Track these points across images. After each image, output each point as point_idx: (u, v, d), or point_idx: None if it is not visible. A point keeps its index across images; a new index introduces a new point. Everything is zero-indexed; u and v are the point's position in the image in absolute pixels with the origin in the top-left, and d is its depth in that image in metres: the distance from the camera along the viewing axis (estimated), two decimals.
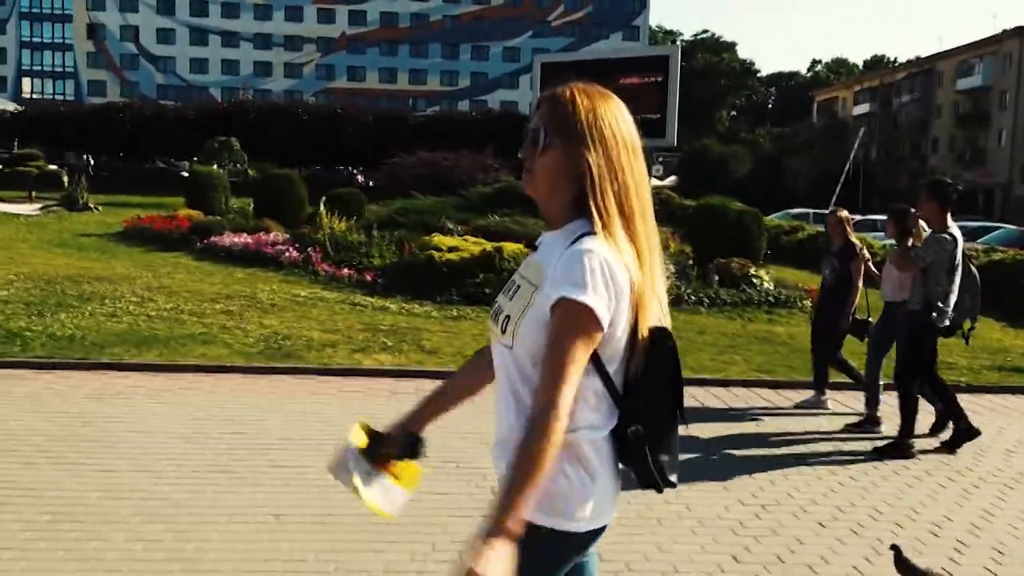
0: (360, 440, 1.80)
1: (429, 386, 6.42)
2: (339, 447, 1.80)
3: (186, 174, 34.84)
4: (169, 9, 79.31)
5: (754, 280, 11.83)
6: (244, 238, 14.66)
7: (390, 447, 1.83)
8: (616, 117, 1.64)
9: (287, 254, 13.03)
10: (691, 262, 12.26)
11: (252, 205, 18.68)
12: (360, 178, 32.44)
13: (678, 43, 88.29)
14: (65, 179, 24.53)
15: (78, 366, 6.72)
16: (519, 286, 1.66)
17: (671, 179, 50.92)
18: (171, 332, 8.11)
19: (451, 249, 11.52)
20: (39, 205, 21.69)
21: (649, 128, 32.25)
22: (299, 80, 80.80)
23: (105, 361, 6.78)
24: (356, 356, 7.45)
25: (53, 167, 25.40)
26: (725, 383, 7.22)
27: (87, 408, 5.65)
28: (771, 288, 11.60)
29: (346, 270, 11.90)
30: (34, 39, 78.06)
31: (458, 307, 10.13)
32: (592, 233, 1.57)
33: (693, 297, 10.88)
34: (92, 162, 32.75)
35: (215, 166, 24.80)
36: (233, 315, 9.15)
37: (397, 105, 58.94)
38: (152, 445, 4.95)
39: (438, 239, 11.89)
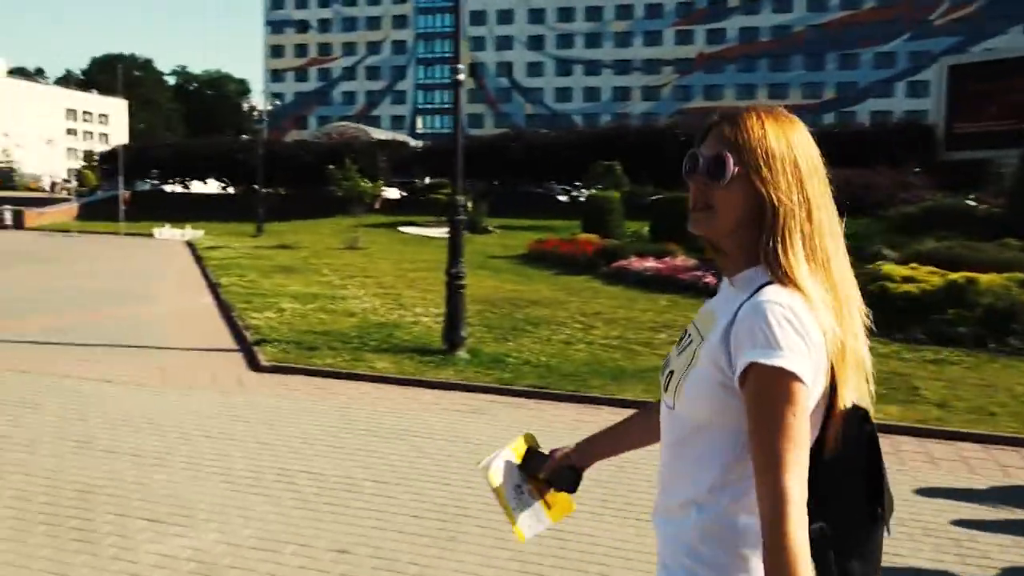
0: (518, 453, 1.74)
1: (944, 450, 5.41)
2: (499, 452, 1.71)
3: (562, 198, 36.62)
4: (538, 44, 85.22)
5: None
6: (652, 262, 14.52)
7: (547, 473, 1.73)
8: (807, 144, 1.41)
9: (705, 280, 12.55)
10: None
11: (649, 228, 18.69)
12: None
13: None
14: (469, 204, 26.75)
15: (569, 398, 6.69)
16: (690, 338, 1.46)
17: None
18: (634, 364, 7.91)
19: (904, 279, 10.17)
20: (448, 228, 23.85)
21: None
22: (656, 102, 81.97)
23: (596, 395, 6.67)
24: None
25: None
26: None
27: None
28: None
29: None
30: (428, 80, 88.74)
31: (930, 348, 8.80)
32: (773, 282, 1.34)
33: None
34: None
35: (598, 189, 25.50)
36: None
37: None
38: None
39: (887, 268, 10.58)
